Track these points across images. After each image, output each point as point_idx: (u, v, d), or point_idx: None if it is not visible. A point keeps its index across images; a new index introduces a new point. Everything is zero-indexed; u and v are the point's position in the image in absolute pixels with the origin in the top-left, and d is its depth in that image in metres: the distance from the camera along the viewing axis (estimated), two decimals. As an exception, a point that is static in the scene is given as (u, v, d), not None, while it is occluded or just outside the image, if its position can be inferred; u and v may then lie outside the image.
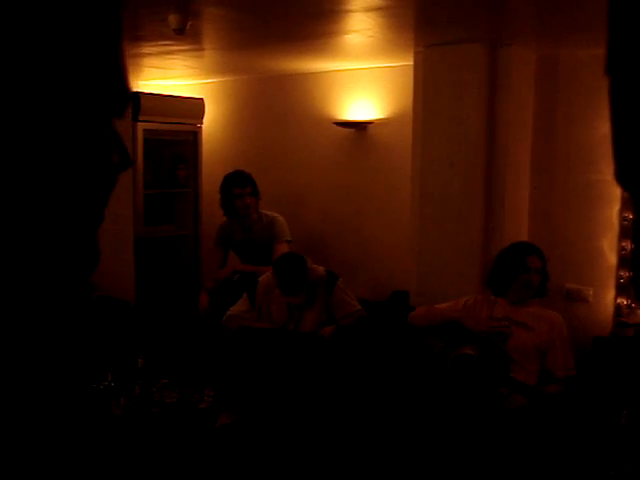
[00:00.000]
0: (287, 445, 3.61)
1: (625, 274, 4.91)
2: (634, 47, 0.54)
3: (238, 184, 5.18)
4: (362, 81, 5.97)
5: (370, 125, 5.96)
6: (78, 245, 0.54)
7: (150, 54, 5.29)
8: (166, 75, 6.56)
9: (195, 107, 6.67)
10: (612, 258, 4.92)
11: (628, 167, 0.59)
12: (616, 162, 0.60)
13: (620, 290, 4.94)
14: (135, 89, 6.35)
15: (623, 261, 4.91)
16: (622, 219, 4.87)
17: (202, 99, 6.75)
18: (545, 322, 3.94)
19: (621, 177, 0.60)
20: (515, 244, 4.22)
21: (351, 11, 3.96)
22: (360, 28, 4.38)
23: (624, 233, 4.88)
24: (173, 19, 3.85)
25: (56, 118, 0.49)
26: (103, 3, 0.53)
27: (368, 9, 3.86)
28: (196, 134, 6.69)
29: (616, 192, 4.84)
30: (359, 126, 5.99)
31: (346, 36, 4.64)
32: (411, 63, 5.15)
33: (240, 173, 5.27)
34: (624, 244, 4.89)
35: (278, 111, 6.55)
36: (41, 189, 0.49)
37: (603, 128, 4.62)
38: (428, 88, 4.95)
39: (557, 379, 3.84)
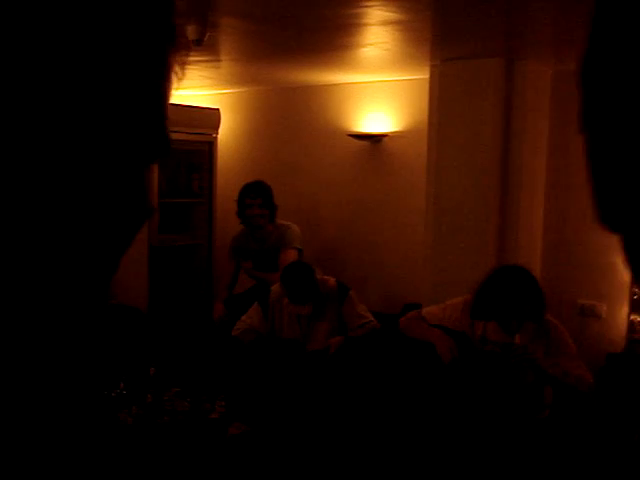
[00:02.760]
0: (298, 456, 3.61)
1: (639, 290, 4.89)
2: (611, 99, 0.54)
3: (250, 194, 5.20)
4: (377, 94, 5.99)
5: (385, 138, 5.97)
6: (93, 291, 0.54)
7: (167, 64, 5.33)
8: (182, 85, 6.59)
9: (211, 117, 6.70)
10: (626, 274, 4.90)
11: (613, 207, 0.58)
12: (599, 205, 0.58)
13: (634, 306, 4.92)
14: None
15: (637, 277, 4.88)
16: (637, 235, 4.84)
17: (218, 109, 6.78)
18: (540, 342, 3.63)
19: (606, 219, 0.59)
20: (503, 279, 3.66)
21: (368, 24, 3.98)
22: (377, 41, 4.40)
23: (639, 249, 4.85)
24: (192, 30, 3.88)
25: (92, 160, 0.48)
26: (153, 35, 0.51)
27: (385, 23, 3.87)
28: (211, 144, 6.72)
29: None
30: (374, 138, 6.01)
31: (363, 49, 4.66)
32: (427, 77, 5.16)
33: (255, 184, 5.28)
34: (639, 260, 4.86)
35: (293, 122, 6.57)
36: (69, 232, 0.49)
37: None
38: (444, 102, 4.96)
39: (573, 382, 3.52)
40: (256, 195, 5.19)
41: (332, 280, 4.56)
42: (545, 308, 3.63)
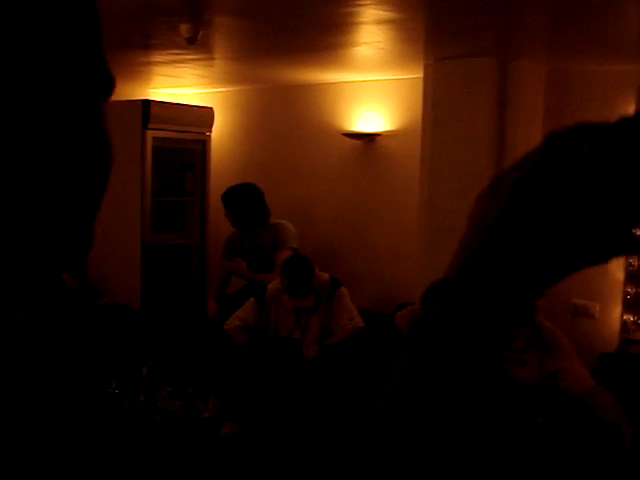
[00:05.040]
0: (290, 455, 3.61)
1: (632, 290, 4.89)
2: None
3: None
4: (371, 93, 5.98)
5: (378, 137, 5.97)
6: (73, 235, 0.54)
7: (161, 62, 5.32)
8: (176, 84, 6.59)
9: (204, 116, 6.69)
10: (619, 274, 4.91)
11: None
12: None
13: (627, 306, 4.92)
14: (145, 97, 6.38)
15: (630, 277, 4.89)
16: (630, 235, 4.84)
17: (211, 108, 6.77)
18: (535, 346, 3.60)
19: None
20: None
21: (362, 23, 3.97)
22: (371, 40, 4.39)
23: (632, 249, 4.86)
24: (185, 28, 3.87)
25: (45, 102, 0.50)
26: None
27: (379, 22, 3.87)
28: (205, 143, 6.71)
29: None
30: (367, 138, 6.00)
31: (357, 48, 4.65)
32: (421, 76, 5.16)
33: (224, 192, 5.34)
34: (631, 260, 4.87)
35: (287, 121, 6.56)
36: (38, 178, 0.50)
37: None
38: (437, 101, 4.96)
39: (584, 396, 3.47)
40: (222, 204, 5.28)
41: (326, 275, 4.59)
42: (536, 309, 3.59)
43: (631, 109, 4.72)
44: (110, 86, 0.55)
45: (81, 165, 0.52)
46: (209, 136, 6.74)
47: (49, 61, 0.49)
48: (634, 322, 4.91)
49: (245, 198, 5.21)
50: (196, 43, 4.05)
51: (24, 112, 0.47)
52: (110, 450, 3.60)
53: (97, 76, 0.54)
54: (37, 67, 0.48)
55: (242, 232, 5.33)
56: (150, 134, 6.10)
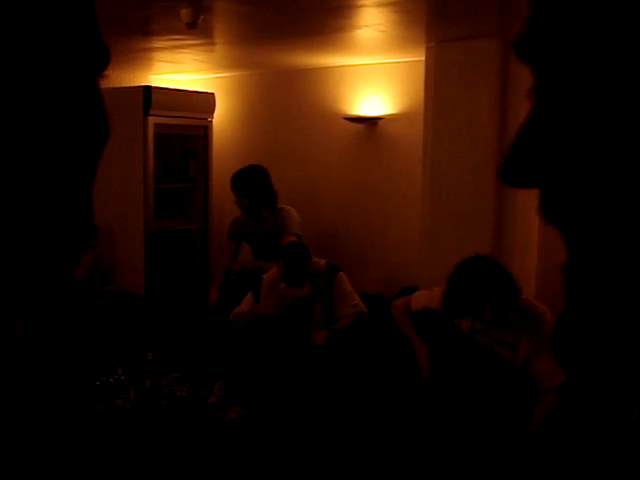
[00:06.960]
0: (296, 439, 3.62)
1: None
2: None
3: (232, 185, 5.28)
4: (373, 76, 5.96)
5: (381, 120, 5.95)
6: (74, 206, 0.55)
7: (161, 48, 5.30)
8: (177, 69, 6.56)
9: (206, 101, 6.67)
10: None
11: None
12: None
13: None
14: (146, 83, 6.36)
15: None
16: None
17: (213, 94, 6.75)
18: (527, 331, 3.57)
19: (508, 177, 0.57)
20: (472, 270, 3.64)
21: (363, 6, 3.95)
22: (372, 23, 4.37)
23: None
24: (185, 13, 3.85)
25: (45, 77, 0.50)
26: None
27: (380, 4, 3.85)
28: (206, 128, 6.69)
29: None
30: (370, 121, 5.99)
31: (358, 31, 4.63)
32: (422, 58, 5.13)
33: (236, 174, 5.28)
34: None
35: (289, 106, 6.55)
36: (37, 148, 0.50)
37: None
38: (439, 84, 4.94)
39: (542, 391, 3.43)
40: (235, 186, 5.23)
41: (322, 262, 4.57)
42: (517, 291, 3.57)
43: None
44: (105, 60, 0.55)
45: (79, 138, 0.52)
46: (211, 122, 6.73)
47: (45, 38, 0.49)
48: None
49: (257, 178, 5.22)
50: (197, 28, 4.02)
51: (21, 91, 0.47)
52: (116, 435, 3.62)
53: (92, 51, 0.54)
54: (33, 44, 0.48)
55: (247, 216, 5.32)
56: (152, 120, 6.09)
